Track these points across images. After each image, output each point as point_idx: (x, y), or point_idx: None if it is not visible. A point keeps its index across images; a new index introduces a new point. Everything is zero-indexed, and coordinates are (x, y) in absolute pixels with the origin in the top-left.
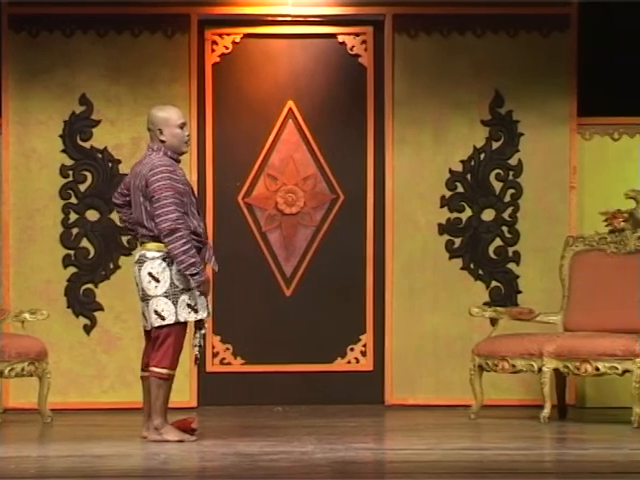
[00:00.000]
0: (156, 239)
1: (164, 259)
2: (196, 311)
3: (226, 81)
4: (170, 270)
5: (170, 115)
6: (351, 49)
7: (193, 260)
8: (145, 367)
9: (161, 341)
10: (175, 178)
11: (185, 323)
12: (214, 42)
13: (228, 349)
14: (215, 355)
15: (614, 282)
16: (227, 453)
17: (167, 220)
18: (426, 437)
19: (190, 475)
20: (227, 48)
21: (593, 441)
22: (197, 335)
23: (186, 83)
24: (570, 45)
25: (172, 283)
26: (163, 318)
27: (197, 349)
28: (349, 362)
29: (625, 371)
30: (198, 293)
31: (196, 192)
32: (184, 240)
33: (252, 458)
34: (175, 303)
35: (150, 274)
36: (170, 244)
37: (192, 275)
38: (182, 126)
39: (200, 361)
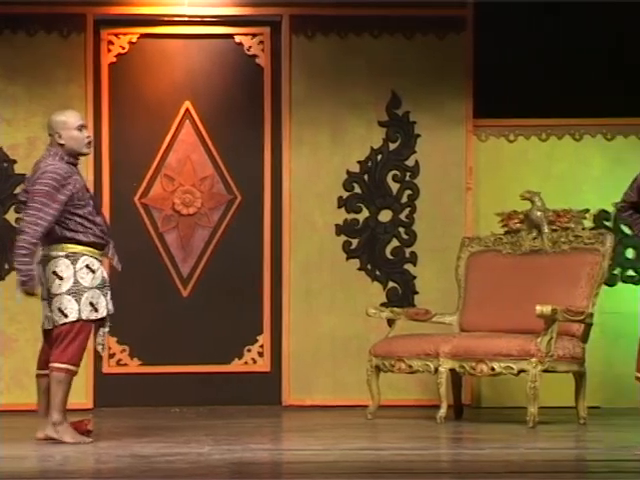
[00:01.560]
0: (59, 239)
1: (67, 257)
2: (97, 310)
3: (122, 81)
4: (74, 268)
5: (67, 118)
6: (248, 50)
7: (21, 267)
8: (43, 366)
9: (63, 338)
10: (57, 186)
11: (88, 321)
12: (110, 42)
13: (125, 350)
14: (111, 356)
15: (510, 283)
16: (123, 455)
17: (26, 222)
18: (323, 437)
19: (86, 477)
20: (123, 48)
21: (489, 441)
22: (100, 333)
23: (82, 83)
24: (466, 47)
25: (76, 281)
26: (66, 316)
27: (100, 347)
28: (246, 363)
29: (520, 371)
30: (99, 292)
31: (92, 192)
32: (25, 249)
33: (148, 459)
34: (78, 301)
35: (54, 272)
36: (17, 243)
37: (21, 281)
38: (80, 128)
39: (97, 362)
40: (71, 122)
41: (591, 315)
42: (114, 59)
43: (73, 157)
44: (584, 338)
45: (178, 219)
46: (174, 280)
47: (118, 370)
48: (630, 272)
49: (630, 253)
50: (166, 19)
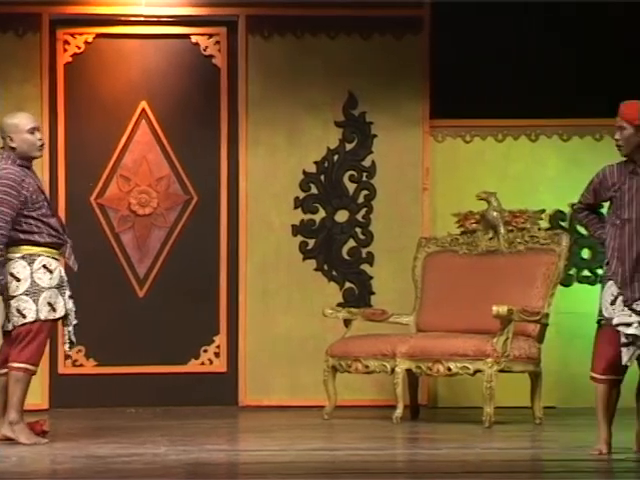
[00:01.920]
0: (15, 241)
1: (24, 258)
2: (55, 310)
3: (78, 81)
4: (31, 269)
5: (19, 121)
6: (204, 50)
7: None
8: (1, 365)
9: (22, 338)
10: (12, 193)
11: (48, 321)
12: (66, 42)
13: (80, 351)
14: (67, 357)
15: (466, 283)
16: (78, 455)
17: None
18: (279, 438)
19: (41, 477)
20: (79, 48)
21: (445, 441)
22: (65, 332)
23: (38, 83)
24: (422, 48)
25: (33, 282)
26: (24, 316)
27: (67, 346)
28: (203, 363)
29: (476, 371)
30: (57, 292)
31: (48, 193)
32: None
33: (104, 460)
34: (36, 301)
35: (12, 274)
36: None
37: None
38: (32, 131)
39: (53, 363)
40: (23, 125)
41: (547, 315)
42: (70, 59)
43: (26, 160)
44: (540, 338)
45: (134, 219)
46: (130, 280)
47: (74, 371)
48: (586, 272)
49: (586, 253)
50: (122, 19)
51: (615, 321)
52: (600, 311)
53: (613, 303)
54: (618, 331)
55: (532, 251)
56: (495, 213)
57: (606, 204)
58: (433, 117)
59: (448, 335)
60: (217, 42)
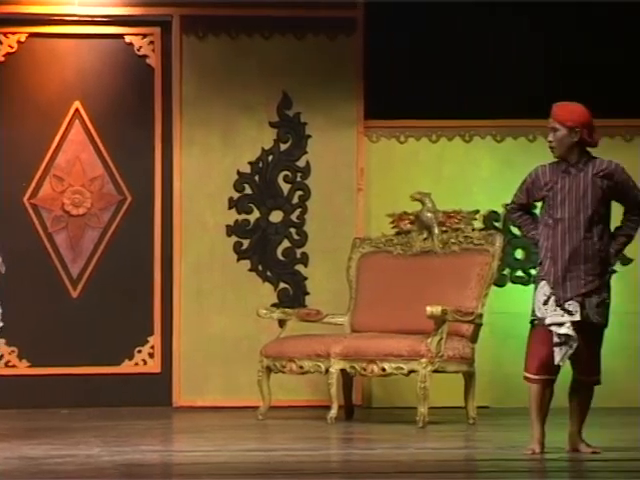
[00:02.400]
0: None
1: None
2: None
3: (11, 81)
4: None
5: None
6: (138, 50)
7: None
8: None
9: None
10: None
11: None
12: None
13: (13, 352)
14: (0, 357)
15: (400, 283)
16: (11, 457)
17: None
18: (214, 439)
19: None
20: (12, 47)
21: (379, 441)
22: None
23: None
24: (356, 48)
25: None
26: None
27: None
28: (137, 364)
29: (411, 371)
30: None
31: None
32: None
33: (37, 462)
34: None
35: None
36: None
37: None
38: None
39: None
40: None
41: (480, 315)
42: (2, 58)
43: None
44: (473, 338)
45: (68, 220)
46: (64, 281)
47: (6, 372)
48: (519, 273)
49: (519, 254)
50: (56, 18)
51: (548, 321)
52: (533, 311)
53: (546, 303)
54: (551, 331)
55: (466, 251)
56: (429, 214)
57: (540, 204)
58: (367, 118)
59: (382, 335)
60: (151, 42)
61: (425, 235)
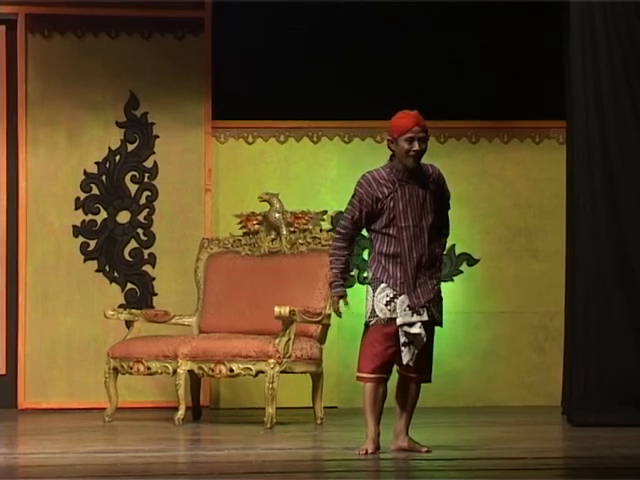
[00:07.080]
0: None
1: None
2: None
3: None
4: None
5: None
6: None
7: None
8: None
9: None
10: None
11: None
12: None
13: None
14: None
15: (248, 284)
16: None
17: None
18: (60, 441)
19: None
20: None
21: (227, 442)
22: None
23: None
24: (204, 48)
25: None
26: None
27: None
28: None
29: (259, 372)
30: None
31: None
32: None
33: None
34: None
35: None
36: None
37: None
38: None
39: None
40: None
41: (328, 316)
42: None
43: None
44: (321, 339)
45: None
46: None
47: None
48: (367, 273)
49: (367, 255)
50: None
51: (399, 321)
52: (372, 312)
53: (388, 304)
54: (389, 331)
55: (314, 252)
56: (277, 214)
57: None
58: (215, 118)
59: (230, 336)
60: None
61: (273, 236)
